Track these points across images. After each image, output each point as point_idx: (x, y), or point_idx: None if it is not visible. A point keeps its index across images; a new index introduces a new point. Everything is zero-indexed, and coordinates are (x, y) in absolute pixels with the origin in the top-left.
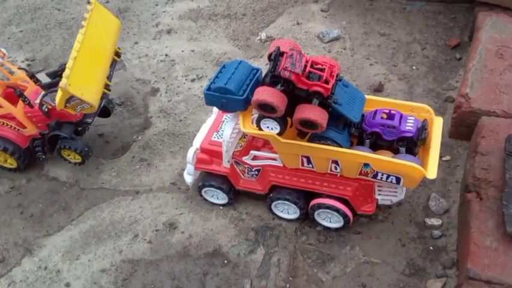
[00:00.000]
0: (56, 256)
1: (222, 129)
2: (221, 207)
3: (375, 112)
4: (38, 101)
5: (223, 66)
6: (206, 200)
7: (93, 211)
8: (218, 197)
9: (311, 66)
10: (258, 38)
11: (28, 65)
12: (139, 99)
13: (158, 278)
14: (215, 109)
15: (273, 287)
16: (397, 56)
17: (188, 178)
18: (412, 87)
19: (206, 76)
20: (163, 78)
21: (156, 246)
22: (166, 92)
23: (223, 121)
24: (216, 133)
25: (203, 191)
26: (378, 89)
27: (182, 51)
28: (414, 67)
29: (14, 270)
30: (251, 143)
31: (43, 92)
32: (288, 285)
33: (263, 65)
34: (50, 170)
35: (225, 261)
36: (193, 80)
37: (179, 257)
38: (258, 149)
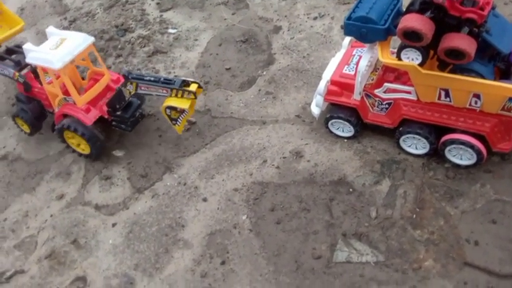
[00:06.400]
0: (194, 174)
1: (354, 63)
2: (345, 140)
3: None
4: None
5: None
6: (331, 132)
7: (224, 137)
8: (344, 129)
9: None
10: None
11: (158, 4)
12: (262, 36)
13: (287, 199)
14: (344, 43)
15: (399, 216)
16: None
17: (316, 110)
18: None
19: (328, 14)
20: (285, 16)
21: (284, 171)
22: (288, 30)
23: (354, 55)
24: (346, 66)
25: (330, 122)
26: None
27: None
28: None
29: (157, 184)
30: (382, 77)
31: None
32: (414, 216)
33: None
34: None
35: (350, 190)
36: (315, 18)
37: (306, 182)
38: (389, 83)
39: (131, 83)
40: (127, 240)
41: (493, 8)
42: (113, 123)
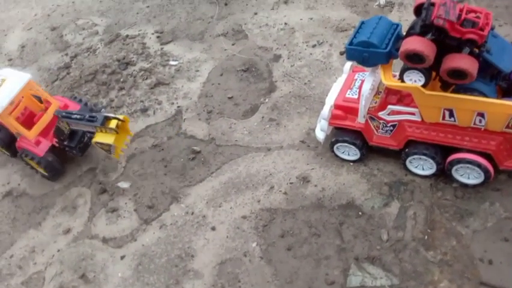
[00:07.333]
0: (201, 203)
1: (356, 87)
2: (351, 163)
3: None
4: None
5: (362, 23)
6: (336, 156)
7: (230, 165)
8: (349, 153)
9: (466, 13)
10: (377, 3)
11: (158, 37)
12: (263, 65)
13: (296, 225)
14: (346, 68)
15: (411, 238)
16: None
17: (321, 134)
18: None
19: (327, 42)
20: (284, 45)
21: (291, 197)
22: (288, 58)
23: (356, 79)
24: (349, 90)
25: (335, 146)
26: None
27: (301, 19)
28: None
29: (164, 215)
30: (386, 100)
31: None
32: (426, 237)
33: None
34: (188, 129)
35: (360, 213)
36: (314, 46)
37: (314, 207)
38: (393, 106)
39: (62, 121)
40: (137, 273)
41: (492, 29)
42: (66, 149)
